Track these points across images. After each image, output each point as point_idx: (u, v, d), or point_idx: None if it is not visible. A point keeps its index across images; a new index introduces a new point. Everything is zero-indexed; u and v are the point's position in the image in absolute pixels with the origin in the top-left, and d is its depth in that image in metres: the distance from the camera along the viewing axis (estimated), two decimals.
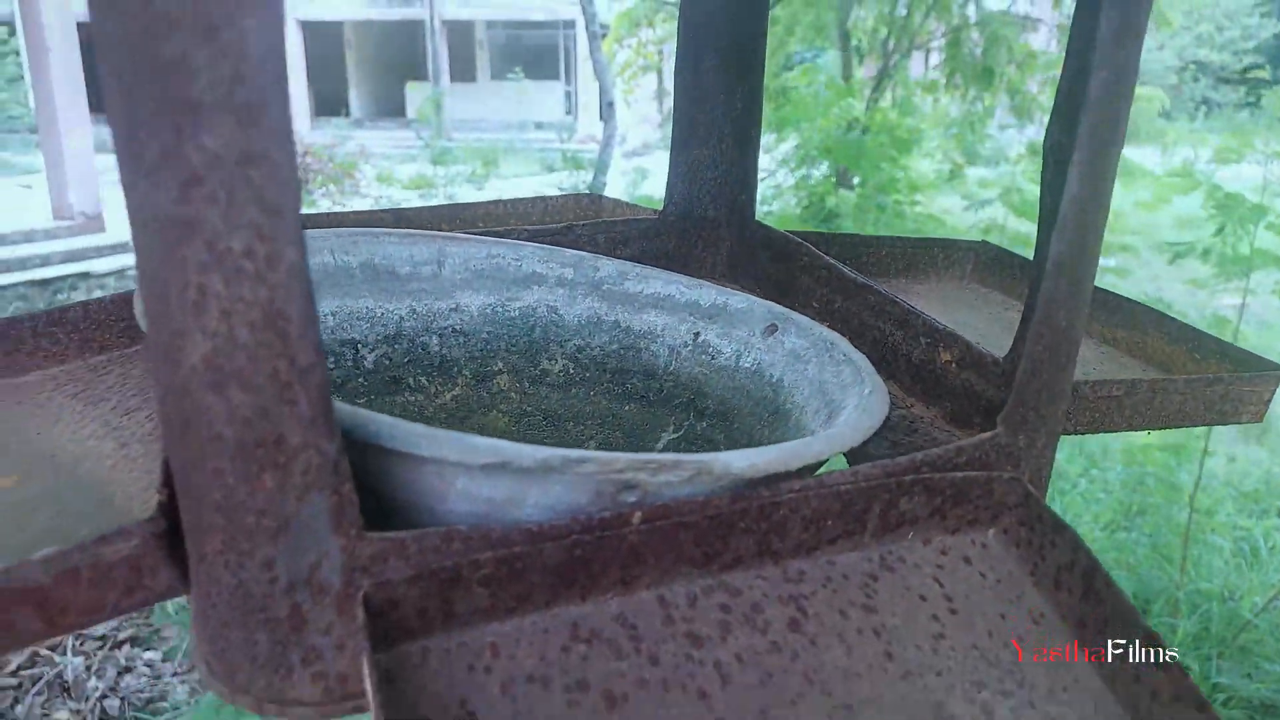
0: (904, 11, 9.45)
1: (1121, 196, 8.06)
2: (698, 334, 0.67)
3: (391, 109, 22.98)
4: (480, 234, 0.72)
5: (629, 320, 0.69)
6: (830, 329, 0.61)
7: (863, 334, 0.66)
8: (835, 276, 0.71)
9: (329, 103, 21.87)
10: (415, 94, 22.24)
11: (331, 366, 0.60)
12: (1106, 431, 0.59)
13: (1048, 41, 9.96)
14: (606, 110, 6.82)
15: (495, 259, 0.70)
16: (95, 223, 8.51)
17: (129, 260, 8.34)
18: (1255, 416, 0.65)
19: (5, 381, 0.59)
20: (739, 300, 0.66)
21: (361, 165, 14.37)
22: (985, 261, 0.92)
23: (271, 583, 0.37)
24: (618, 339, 0.68)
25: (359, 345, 0.63)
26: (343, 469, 0.37)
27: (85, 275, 7.86)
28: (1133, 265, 7.06)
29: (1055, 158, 0.50)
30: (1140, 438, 4.15)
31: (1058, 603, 0.45)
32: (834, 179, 9.21)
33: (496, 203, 0.92)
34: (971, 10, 9.62)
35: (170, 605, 3.08)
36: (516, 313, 0.69)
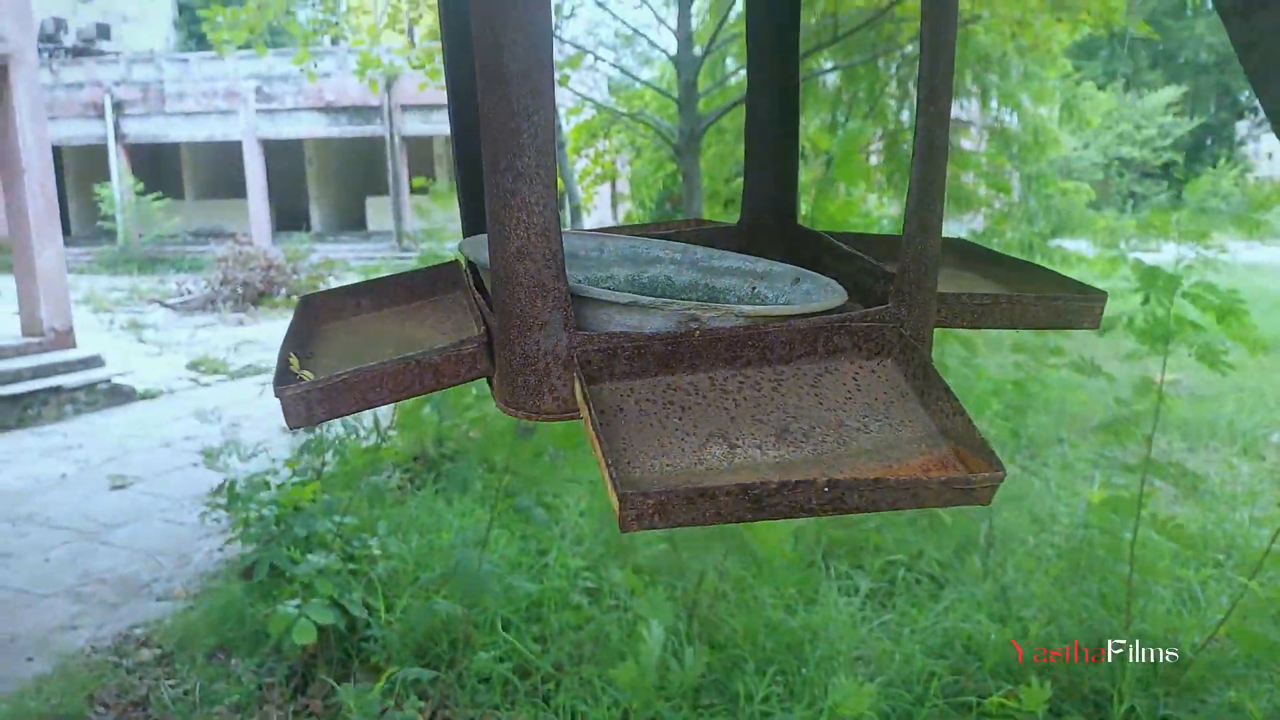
0: (844, 118, 10.11)
1: None
2: (754, 287, 1.07)
3: (352, 222, 23.47)
4: (625, 233, 1.16)
5: (713, 282, 1.11)
6: (831, 279, 1.00)
7: (850, 278, 1.04)
8: (837, 251, 1.11)
9: (290, 218, 22.29)
10: (375, 207, 22.79)
11: None
12: (985, 327, 0.92)
13: (978, 142, 10.67)
14: (574, 213, 7.22)
15: (634, 246, 1.14)
16: (66, 338, 8.61)
17: (99, 374, 8.44)
18: (1093, 324, 0.95)
19: (380, 313, 1.12)
20: (779, 267, 1.07)
21: (327, 277, 14.67)
22: (962, 252, 1.24)
23: (536, 350, 0.79)
24: (708, 294, 1.10)
25: None
26: (567, 300, 0.79)
27: (56, 390, 7.92)
28: (1068, 345, 7.47)
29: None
30: (1082, 500, 4.43)
31: (914, 388, 0.85)
32: None
33: (642, 225, 1.36)
34: (905, 115, 10.33)
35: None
36: (646, 280, 1.13)
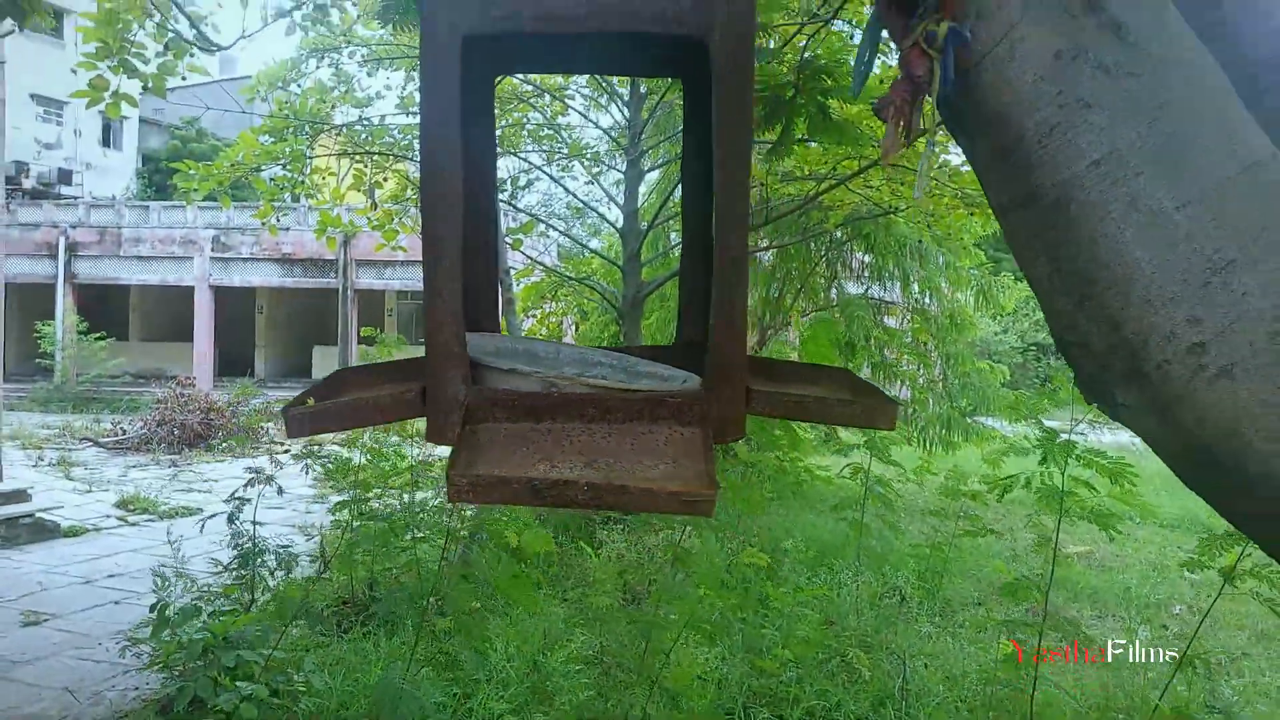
0: (777, 293, 10.79)
1: (972, 455, 9.05)
2: (657, 376, 1.42)
3: (297, 370, 23.54)
4: (576, 346, 1.56)
5: (633, 382, 1.45)
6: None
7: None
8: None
9: (235, 363, 22.31)
10: (322, 355, 22.96)
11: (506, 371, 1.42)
12: (799, 420, 1.25)
13: (901, 321, 11.38)
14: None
15: (582, 354, 1.54)
16: None
17: (23, 509, 8.27)
18: (889, 425, 1.23)
19: (377, 380, 1.52)
20: (677, 371, 1.48)
21: (265, 422, 14.64)
22: (853, 384, 1.54)
23: (444, 397, 1.26)
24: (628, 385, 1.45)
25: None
26: (467, 365, 1.23)
27: None
28: (986, 513, 7.82)
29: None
30: (990, 662, 4.64)
31: (704, 448, 1.17)
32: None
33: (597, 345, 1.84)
34: (834, 293, 11.07)
35: None
36: (588, 376, 1.49)
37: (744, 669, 4.49)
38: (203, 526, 5.14)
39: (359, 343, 21.54)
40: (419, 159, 1.58)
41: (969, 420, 10.02)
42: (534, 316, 9.80)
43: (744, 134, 1.06)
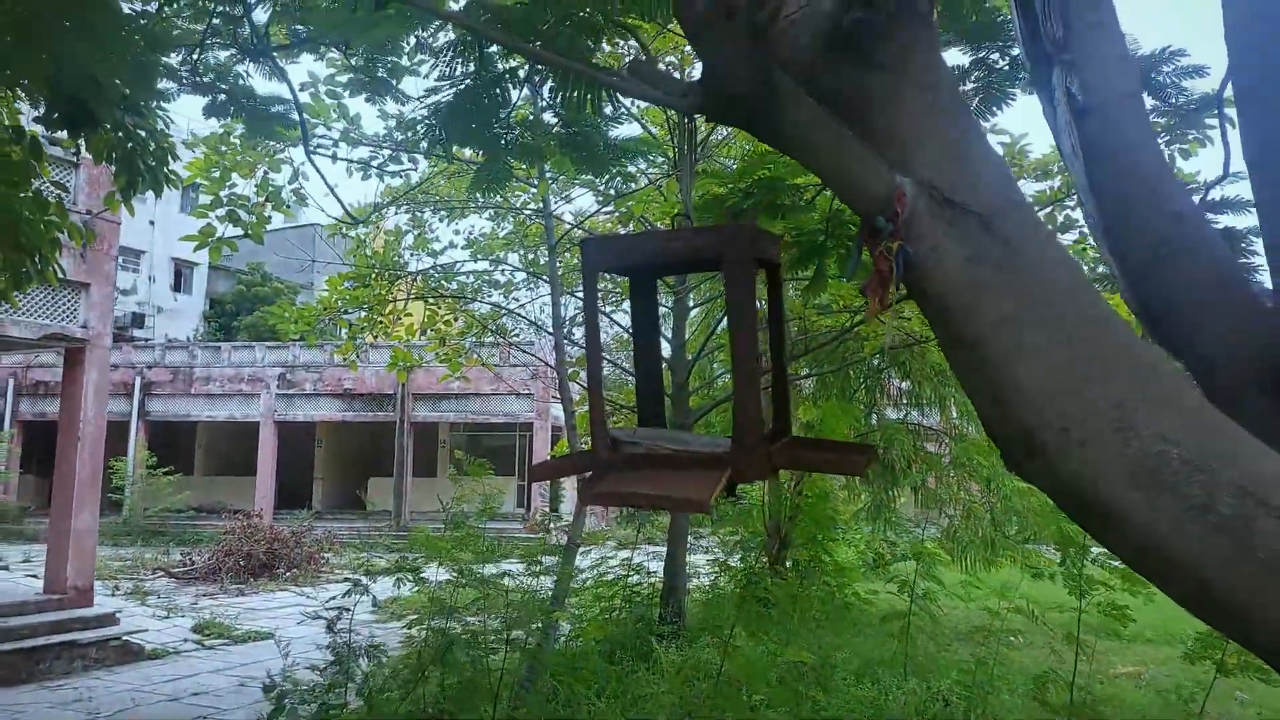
0: (819, 419, 11.26)
1: (1014, 576, 9.23)
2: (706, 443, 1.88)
3: (352, 501, 24.22)
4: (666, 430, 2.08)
5: (690, 446, 1.86)
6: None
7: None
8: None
9: (293, 495, 23.04)
10: (376, 487, 23.63)
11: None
12: (797, 469, 1.72)
13: (940, 444, 11.71)
14: (581, 485, 8.05)
15: (669, 433, 2.03)
16: (85, 596, 9.07)
17: (112, 632, 8.79)
18: (858, 472, 1.73)
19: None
20: (719, 440, 1.83)
21: (325, 552, 15.17)
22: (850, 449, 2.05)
23: (598, 461, 1.87)
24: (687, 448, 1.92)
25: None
26: (609, 438, 1.85)
27: (70, 645, 8.27)
28: (1031, 631, 7.96)
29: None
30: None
31: (717, 482, 1.66)
32: (767, 563, 10.32)
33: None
34: (874, 419, 11.50)
35: None
36: (669, 444, 1.92)
37: None
38: (288, 647, 5.62)
39: (415, 475, 22.21)
40: (584, 332, 2.29)
41: (1012, 543, 10.21)
42: (585, 443, 10.34)
43: (749, 306, 1.74)
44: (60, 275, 5.70)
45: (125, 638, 8.82)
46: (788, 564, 10.75)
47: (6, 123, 5.51)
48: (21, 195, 5.20)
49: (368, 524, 21.28)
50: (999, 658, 6.04)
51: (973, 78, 3.25)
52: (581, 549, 8.47)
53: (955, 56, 3.28)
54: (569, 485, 19.80)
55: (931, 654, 5.96)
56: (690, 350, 9.35)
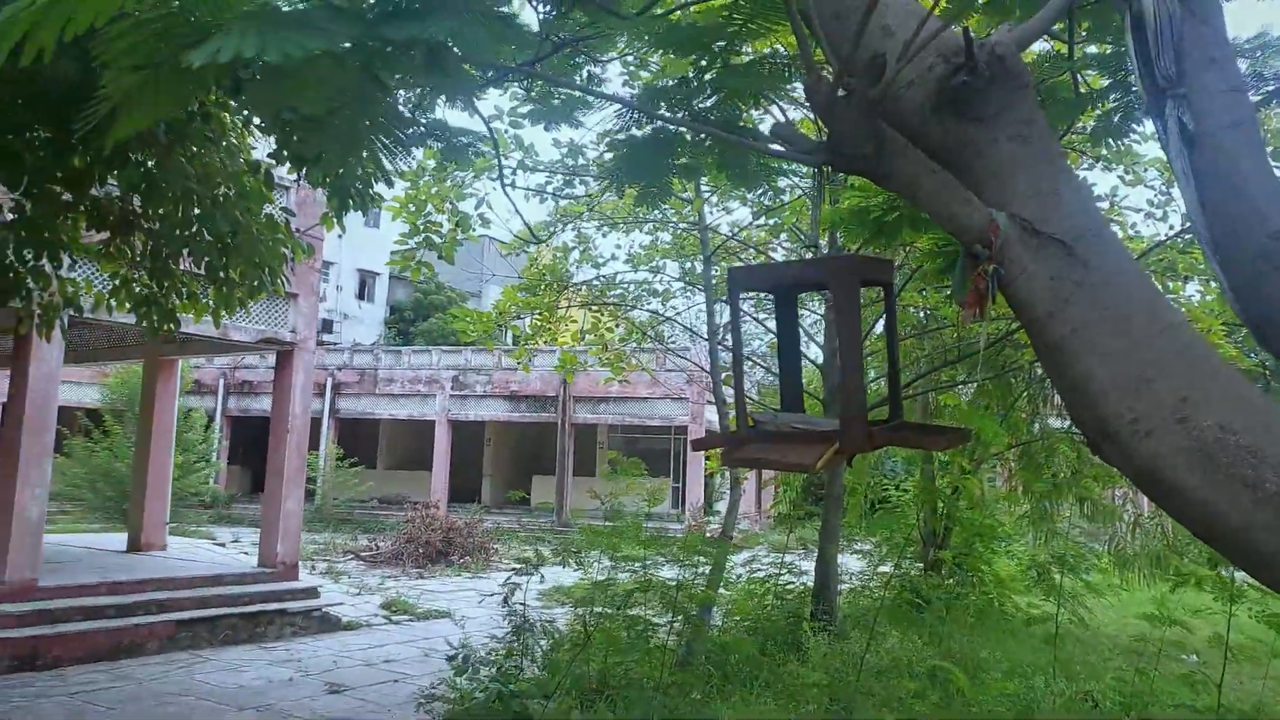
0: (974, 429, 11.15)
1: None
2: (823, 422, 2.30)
3: (517, 497, 25.51)
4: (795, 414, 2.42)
5: (810, 425, 2.25)
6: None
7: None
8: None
9: (463, 491, 24.54)
10: (539, 485, 24.80)
11: None
12: (897, 445, 2.04)
13: None
14: (734, 485, 8.43)
15: (797, 415, 2.31)
16: (292, 571, 10.20)
17: (314, 604, 9.86)
18: (946, 447, 2.06)
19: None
20: (823, 420, 2.25)
21: (494, 544, 16.17)
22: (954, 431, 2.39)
23: (744, 436, 2.28)
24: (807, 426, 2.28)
25: None
26: (748, 421, 2.15)
27: (281, 612, 9.36)
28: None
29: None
30: None
31: (823, 453, 1.98)
32: (922, 568, 10.35)
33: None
34: (1036, 427, 11.26)
35: None
36: (795, 423, 2.29)
37: None
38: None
39: (574, 474, 23.18)
40: (730, 336, 2.68)
41: (1182, 559, 9.82)
42: None
43: (851, 317, 2.08)
44: (286, 288, 6.60)
45: (325, 610, 9.88)
46: (943, 571, 10.72)
47: (243, 159, 6.44)
48: (258, 218, 6.09)
49: (531, 519, 22.36)
50: (1161, 670, 5.97)
51: (1111, 99, 3.42)
52: (735, 552, 8.86)
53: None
54: (724, 486, 20.16)
55: (1087, 662, 5.97)
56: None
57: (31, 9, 1.38)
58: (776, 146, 2.05)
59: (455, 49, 1.43)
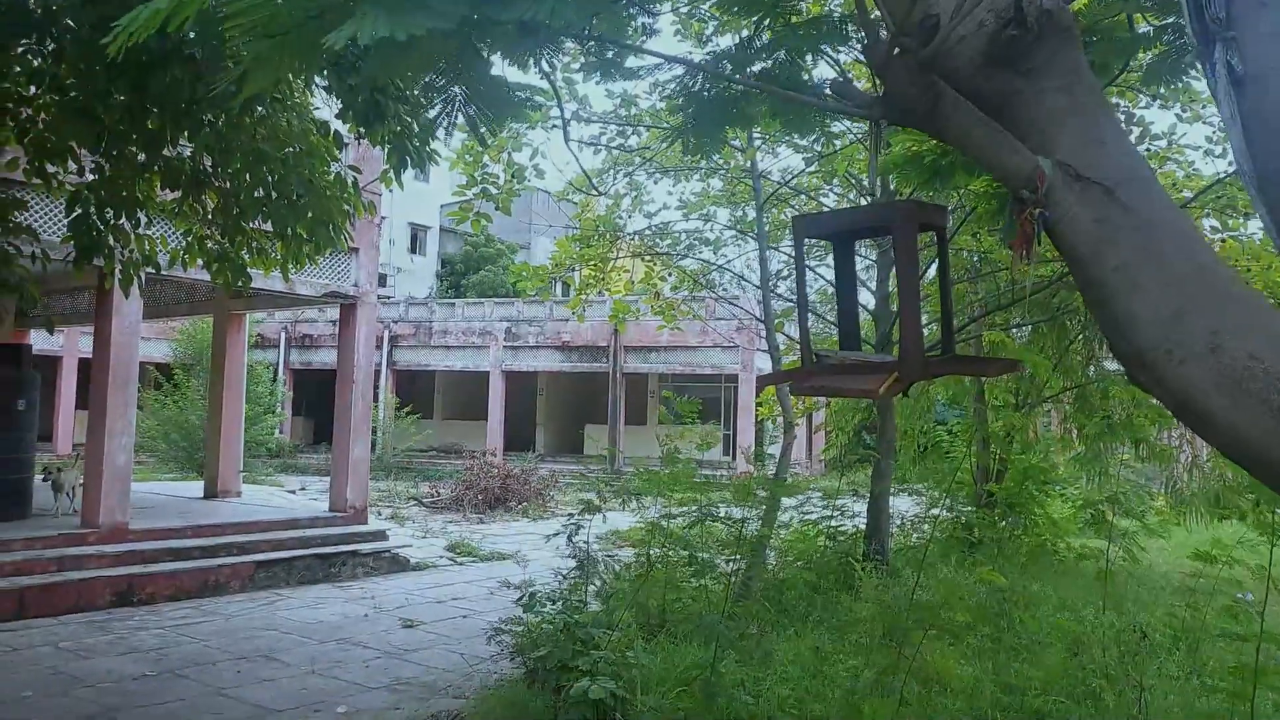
0: (1029, 372, 11.13)
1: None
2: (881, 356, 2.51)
3: (570, 446, 26.01)
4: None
5: (868, 358, 2.49)
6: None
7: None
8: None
9: (518, 440, 25.07)
10: (592, 434, 25.25)
11: None
12: (948, 374, 2.22)
13: None
14: (787, 428, 8.57)
15: (853, 353, 2.47)
16: (361, 515, 10.66)
17: (383, 546, 10.31)
18: (996, 374, 2.16)
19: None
20: (887, 357, 2.42)
21: (550, 489, 16.60)
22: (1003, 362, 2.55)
23: (809, 370, 2.37)
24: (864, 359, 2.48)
25: None
26: (813, 355, 2.23)
27: (354, 554, 9.83)
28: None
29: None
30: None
31: (883, 381, 2.19)
32: (979, 515, 10.44)
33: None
34: (1092, 370, 11.20)
35: None
36: (853, 356, 2.50)
37: (994, 688, 5.15)
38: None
39: (626, 423, 23.53)
40: (795, 280, 2.77)
41: (1242, 498, 9.78)
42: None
43: (910, 259, 2.20)
44: (350, 243, 6.85)
45: (394, 551, 10.34)
46: (995, 513, 10.80)
47: (310, 118, 6.65)
48: (325, 177, 6.32)
49: (585, 467, 22.81)
50: (1212, 605, 6.06)
51: (1164, 40, 3.45)
52: (789, 495, 9.03)
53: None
54: (775, 433, 20.33)
55: (1139, 598, 6.10)
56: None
57: None
58: (841, 104, 2.18)
59: (548, 22, 1.60)
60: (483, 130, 3.17)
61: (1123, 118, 8.16)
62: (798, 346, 10.61)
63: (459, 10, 1.55)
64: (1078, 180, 1.81)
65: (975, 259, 10.36)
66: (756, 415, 16.12)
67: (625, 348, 22.79)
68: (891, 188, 9.29)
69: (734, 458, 21.88)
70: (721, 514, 7.10)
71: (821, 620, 7.01)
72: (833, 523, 9.20)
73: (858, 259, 11.14)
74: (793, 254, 11.01)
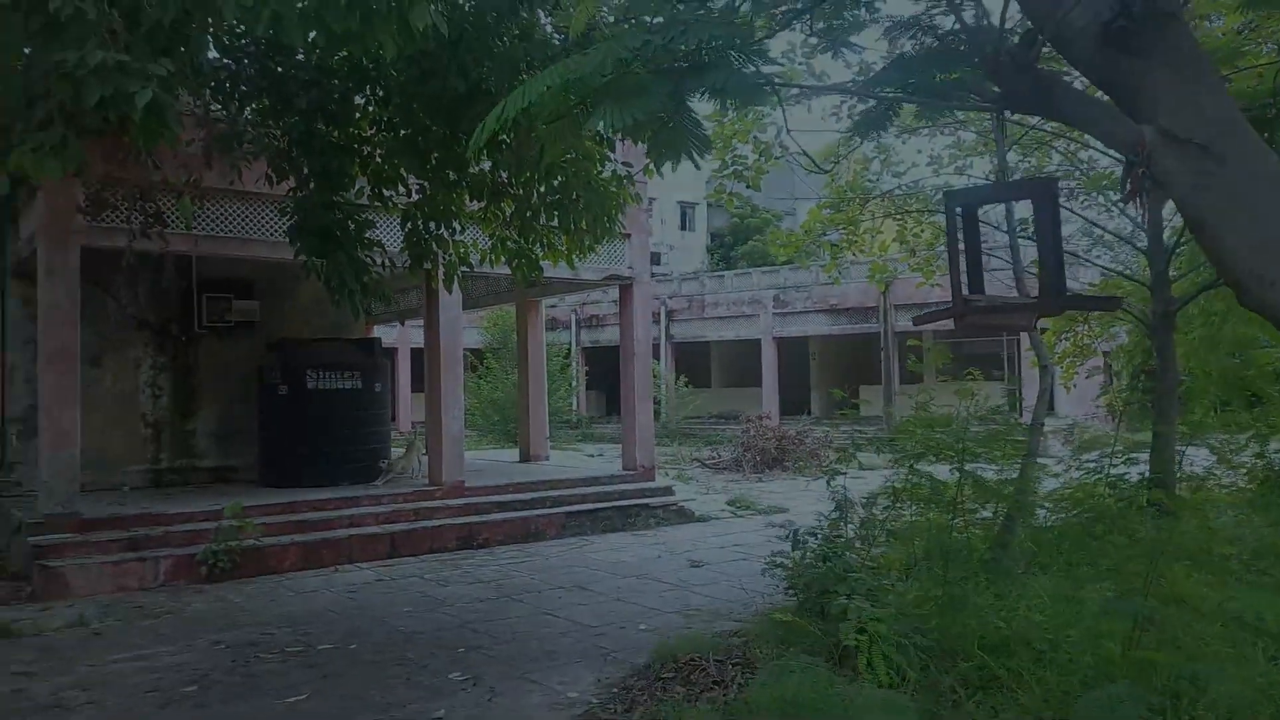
0: None
1: None
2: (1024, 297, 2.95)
3: (844, 408, 26.27)
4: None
5: (1012, 299, 2.90)
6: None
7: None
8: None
9: (792, 404, 25.73)
10: (866, 395, 25.33)
11: None
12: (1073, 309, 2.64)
13: None
14: (1042, 372, 8.53)
15: (999, 297, 3.00)
16: (649, 473, 11.89)
17: (670, 500, 11.46)
18: (1109, 309, 2.55)
19: None
20: (1027, 298, 2.88)
21: (824, 449, 17.10)
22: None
23: (961, 311, 3.02)
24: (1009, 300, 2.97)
25: None
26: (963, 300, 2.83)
27: (645, 506, 11.05)
28: None
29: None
30: None
31: (1031, 323, 3.07)
32: None
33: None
34: None
35: None
36: (1000, 298, 3.01)
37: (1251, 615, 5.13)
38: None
39: (901, 382, 23.38)
40: (947, 244, 3.24)
41: None
42: (1066, 339, 10.61)
43: (1047, 225, 2.59)
44: (623, 230, 7.86)
45: (680, 504, 11.47)
46: None
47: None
48: (599, 176, 7.33)
49: (858, 428, 23.01)
50: None
51: None
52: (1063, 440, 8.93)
53: None
54: (1062, 387, 19.43)
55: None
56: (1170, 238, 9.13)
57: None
58: (974, 101, 2.64)
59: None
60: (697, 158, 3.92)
61: None
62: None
63: (665, 89, 2.33)
64: (1176, 142, 2.20)
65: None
66: (1030, 363, 15.60)
67: (895, 306, 22.64)
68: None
69: (1020, 411, 21.08)
70: (989, 472, 7.30)
71: (1090, 562, 7.08)
72: (1114, 469, 8.98)
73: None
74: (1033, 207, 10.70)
